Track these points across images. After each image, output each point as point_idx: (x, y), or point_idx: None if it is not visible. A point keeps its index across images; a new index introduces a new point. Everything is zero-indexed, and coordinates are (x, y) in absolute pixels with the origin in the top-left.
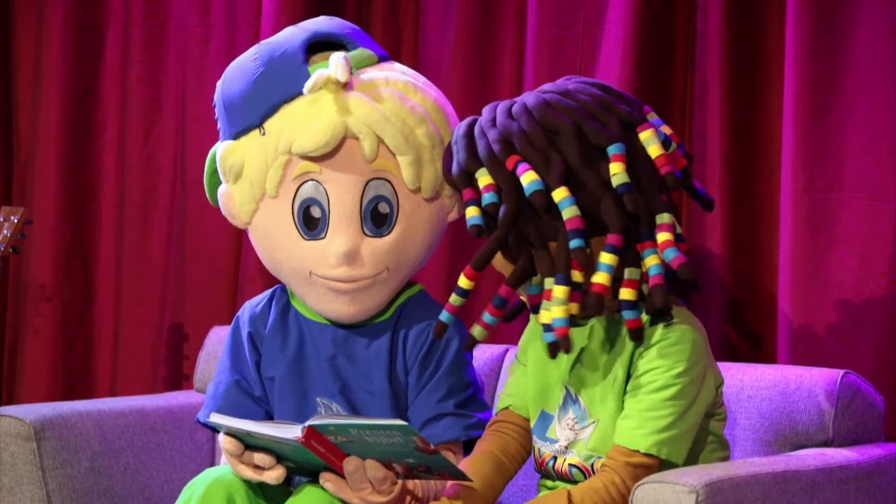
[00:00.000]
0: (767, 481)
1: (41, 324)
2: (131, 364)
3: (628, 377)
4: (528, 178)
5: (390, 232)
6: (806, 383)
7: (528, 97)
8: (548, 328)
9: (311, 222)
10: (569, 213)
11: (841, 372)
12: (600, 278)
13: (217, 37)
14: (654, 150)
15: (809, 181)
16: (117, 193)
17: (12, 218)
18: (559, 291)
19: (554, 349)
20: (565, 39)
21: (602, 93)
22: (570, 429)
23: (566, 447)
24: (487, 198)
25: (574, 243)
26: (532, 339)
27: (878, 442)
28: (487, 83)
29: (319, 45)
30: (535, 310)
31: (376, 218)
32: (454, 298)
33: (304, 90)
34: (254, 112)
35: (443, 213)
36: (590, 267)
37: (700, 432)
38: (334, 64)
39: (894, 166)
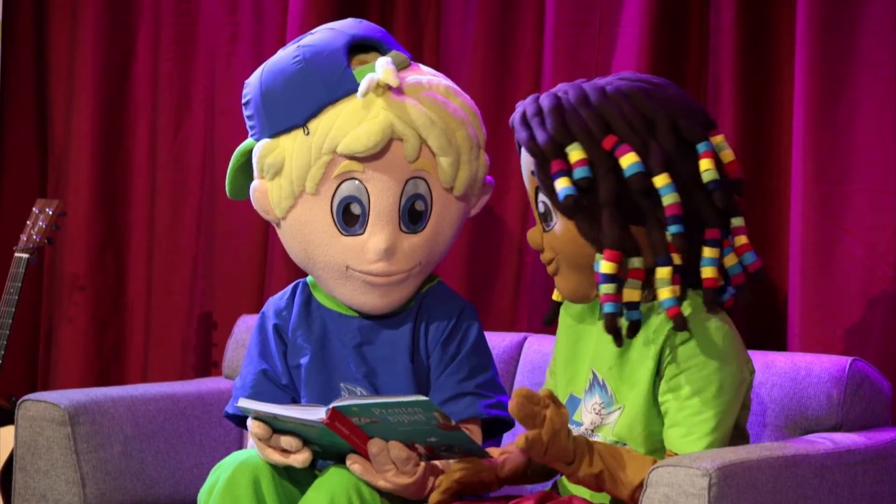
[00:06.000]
0: (778, 465)
1: (75, 312)
2: (162, 351)
3: (658, 367)
4: (630, 160)
5: (424, 228)
6: (816, 370)
7: (619, 83)
8: (632, 306)
9: (350, 219)
10: (670, 199)
11: (850, 359)
12: (708, 272)
13: (244, 35)
14: (727, 154)
15: (819, 174)
16: (148, 186)
17: (47, 210)
18: (663, 272)
19: (634, 329)
20: (582, 37)
21: (681, 91)
22: (597, 413)
23: (592, 430)
24: (580, 172)
25: (674, 229)
26: (563, 327)
27: (886, 427)
28: (506, 81)
29: (355, 48)
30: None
31: (412, 215)
32: (606, 287)
33: (359, 95)
34: (297, 113)
35: (467, 210)
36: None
37: None
38: (383, 69)
39: None
